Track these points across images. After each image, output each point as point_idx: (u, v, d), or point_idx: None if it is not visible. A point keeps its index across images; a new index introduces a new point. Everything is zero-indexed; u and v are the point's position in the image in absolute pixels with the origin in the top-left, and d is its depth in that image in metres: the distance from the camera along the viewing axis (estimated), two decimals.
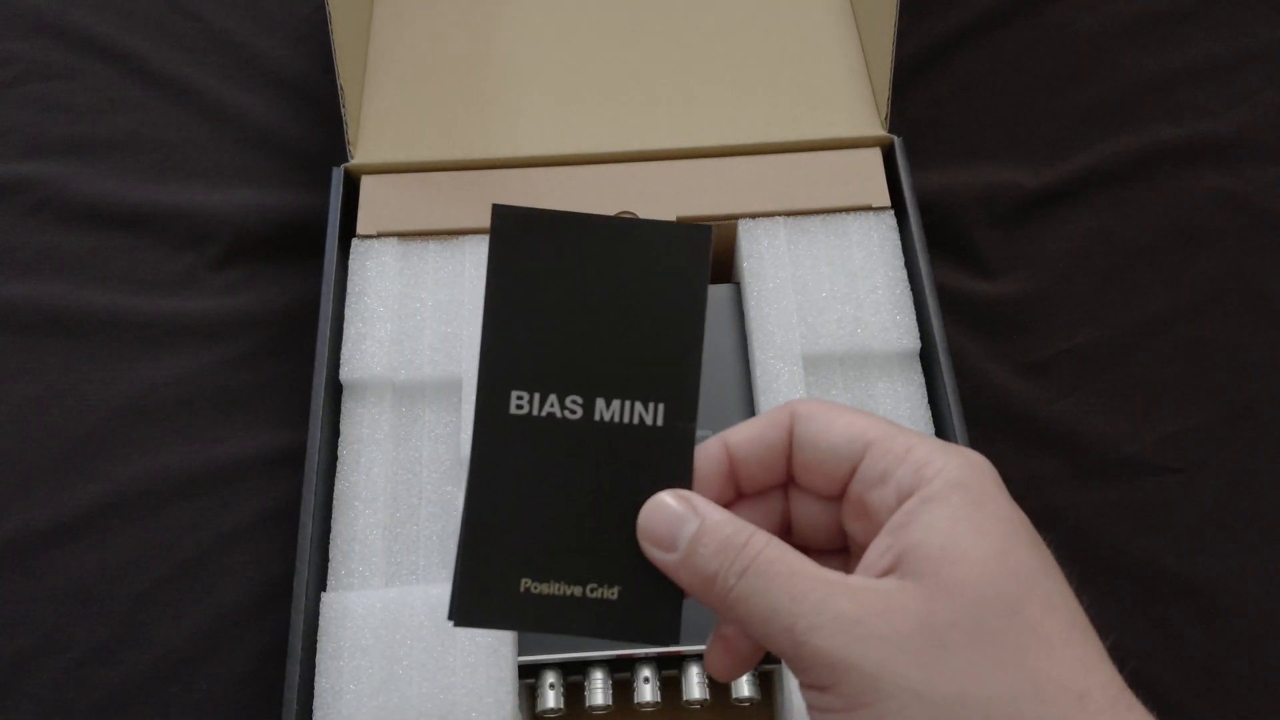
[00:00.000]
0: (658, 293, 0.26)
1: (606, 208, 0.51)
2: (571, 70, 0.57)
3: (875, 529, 0.25)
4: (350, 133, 0.52)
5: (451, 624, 0.26)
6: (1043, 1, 0.65)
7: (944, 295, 0.50)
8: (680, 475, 0.26)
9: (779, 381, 0.47)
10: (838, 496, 0.27)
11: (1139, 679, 0.46)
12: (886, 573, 0.24)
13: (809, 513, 0.28)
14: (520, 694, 0.42)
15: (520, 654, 0.42)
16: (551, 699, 0.42)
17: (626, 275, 0.26)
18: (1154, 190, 0.59)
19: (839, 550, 0.28)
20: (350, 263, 0.50)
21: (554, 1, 0.59)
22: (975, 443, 0.45)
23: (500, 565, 0.26)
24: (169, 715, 0.46)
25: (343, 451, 0.46)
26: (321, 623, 0.43)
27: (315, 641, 0.42)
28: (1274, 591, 0.48)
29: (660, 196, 0.52)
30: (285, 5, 0.65)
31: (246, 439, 0.52)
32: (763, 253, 0.50)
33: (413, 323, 0.49)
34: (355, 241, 0.51)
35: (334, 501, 0.45)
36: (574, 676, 0.43)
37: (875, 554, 0.25)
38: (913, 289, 0.49)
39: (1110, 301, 0.55)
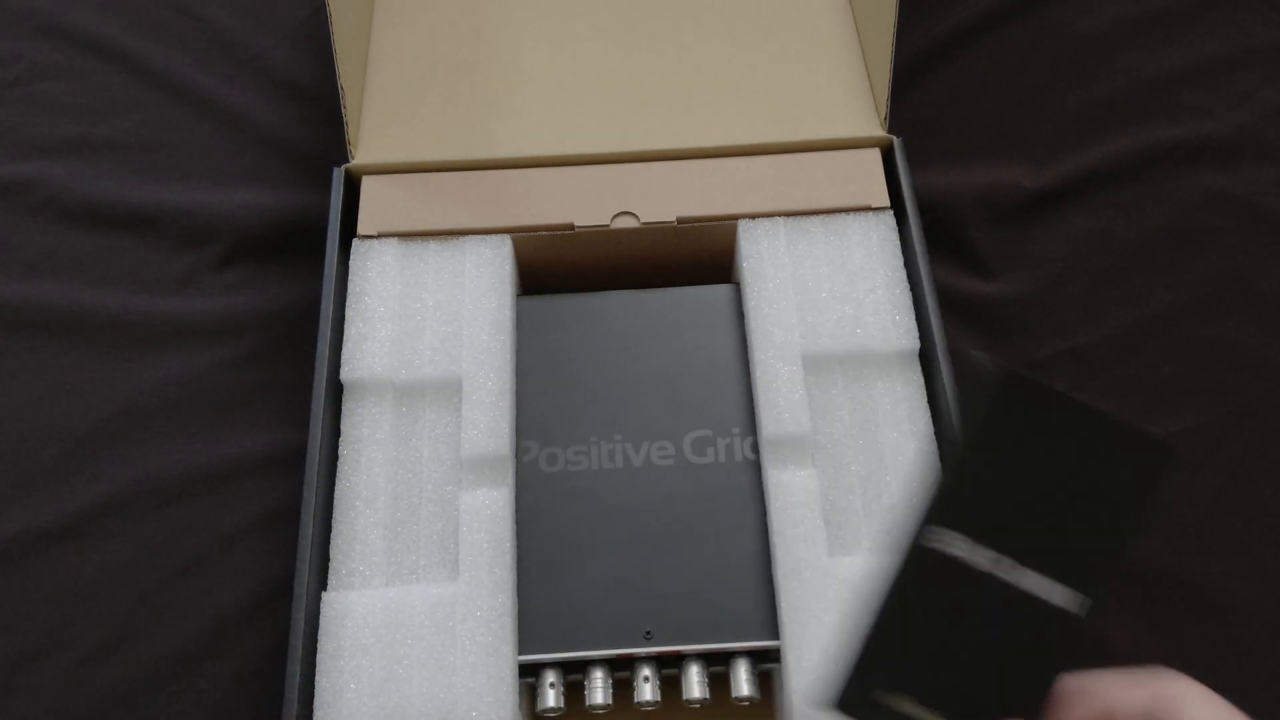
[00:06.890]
0: (1109, 490, 0.29)
1: (606, 208, 0.51)
2: (571, 70, 0.57)
3: None
4: (351, 133, 0.52)
5: (834, 708, 0.29)
6: (1042, 2, 0.65)
7: (943, 295, 0.50)
8: (1066, 663, 0.29)
9: (779, 381, 0.47)
10: None
11: None
12: None
13: None
14: (520, 693, 0.42)
15: (520, 653, 0.42)
16: (551, 698, 0.42)
17: (1090, 465, 0.29)
18: (1153, 190, 0.59)
19: None
20: (351, 263, 0.50)
21: (554, 2, 0.59)
22: None
23: (879, 673, 0.29)
24: (169, 715, 0.46)
25: (343, 451, 0.46)
26: (322, 622, 0.43)
27: (316, 641, 0.42)
28: (1274, 591, 0.48)
29: (660, 197, 0.52)
30: (285, 5, 0.65)
31: (246, 439, 0.52)
32: (763, 253, 0.50)
33: (413, 323, 0.49)
34: (356, 242, 0.51)
35: (334, 501, 0.45)
36: (574, 675, 0.43)
37: None
38: (912, 289, 0.49)
39: (1110, 301, 0.55)
